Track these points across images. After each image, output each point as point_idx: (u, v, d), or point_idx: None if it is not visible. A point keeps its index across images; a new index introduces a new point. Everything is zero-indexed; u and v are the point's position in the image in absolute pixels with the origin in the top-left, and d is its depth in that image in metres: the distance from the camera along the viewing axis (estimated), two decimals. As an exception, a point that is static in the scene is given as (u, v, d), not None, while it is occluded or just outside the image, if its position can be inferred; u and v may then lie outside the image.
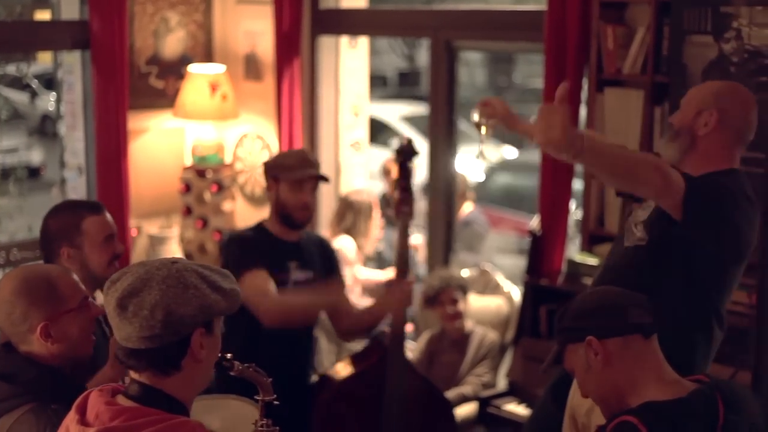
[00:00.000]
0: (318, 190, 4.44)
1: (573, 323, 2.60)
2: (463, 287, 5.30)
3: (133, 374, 2.20)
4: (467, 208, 6.70)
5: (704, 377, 2.60)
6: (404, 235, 4.38)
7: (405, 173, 4.43)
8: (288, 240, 4.30)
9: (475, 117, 3.46)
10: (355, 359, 4.55)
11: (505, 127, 3.49)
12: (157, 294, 2.11)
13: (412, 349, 5.65)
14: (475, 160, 3.55)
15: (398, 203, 4.42)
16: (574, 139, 2.82)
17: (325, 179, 4.35)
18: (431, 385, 4.66)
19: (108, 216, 3.37)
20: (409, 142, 4.48)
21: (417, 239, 6.41)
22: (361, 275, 5.98)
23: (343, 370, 4.50)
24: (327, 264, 4.44)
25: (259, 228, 4.34)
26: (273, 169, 4.29)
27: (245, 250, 4.18)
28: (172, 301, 2.12)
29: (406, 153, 4.43)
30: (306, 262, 4.33)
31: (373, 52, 7.01)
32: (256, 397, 2.40)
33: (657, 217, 3.14)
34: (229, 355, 2.29)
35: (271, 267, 4.18)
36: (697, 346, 3.15)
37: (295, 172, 4.23)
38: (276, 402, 2.40)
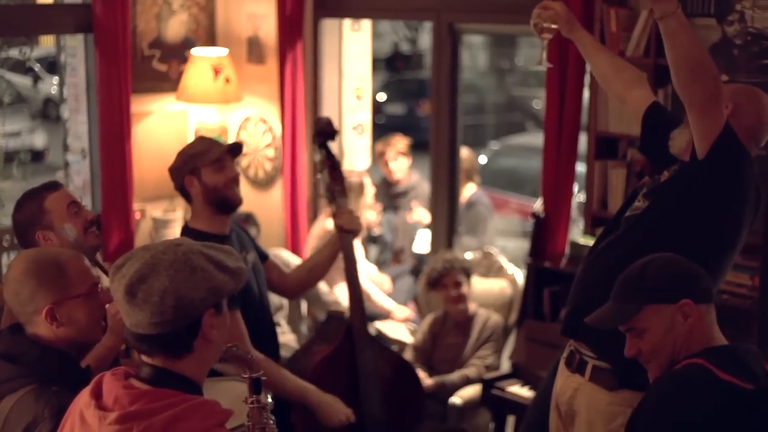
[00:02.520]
0: (237, 163, 4.19)
1: (663, 284, 2.68)
2: (467, 270, 5.30)
3: (145, 358, 2.20)
4: (470, 190, 6.70)
5: None
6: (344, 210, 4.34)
7: (328, 153, 4.38)
8: (226, 233, 4.01)
9: (535, 21, 3.37)
10: (320, 340, 4.50)
11: (564, 30, 3.43)
12: (166, 279, 2.12)
13: (414, 332, 5.67)
14: (536, 66, 3.43)
15: (330, 184, 4.35)
16: None
17: (239, 147, 4.09)
18: (397, 356, 4.70)
19: (67, 189, 3.40)
20: (327, 122, 4.40)
21: (423, 215, 6.43)
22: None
23: (311, 353, 4.46)
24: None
25: (198, 236, 3.84)
26: (186, 164, 3.94)
27: None
28: (182, 285, 2.12)
29: (325, 133, 4.38)
30: (246, 244, 4.17)
31: (375, 34, 7.00)
32: (244, 375, 2.41)
33: (674, 175, 3.17)
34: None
35: None
36: None
37: (210, 153, 3.92)
38: (264, 377, 2.42)
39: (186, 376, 2.20)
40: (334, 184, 4.33)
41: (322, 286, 5.54)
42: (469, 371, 5.16)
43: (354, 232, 4.37)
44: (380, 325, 5.84)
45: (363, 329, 4.38)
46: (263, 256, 4.30)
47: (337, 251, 4.35)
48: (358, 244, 6.04)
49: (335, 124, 4.46)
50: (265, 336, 4.14)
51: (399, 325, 5.89)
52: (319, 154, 4.42)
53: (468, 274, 5.31)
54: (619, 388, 3.14)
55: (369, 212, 6.10)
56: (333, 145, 4.43)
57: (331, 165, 4.35)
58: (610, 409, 3.15)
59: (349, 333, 4.37)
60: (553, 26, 3.38)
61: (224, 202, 3.93)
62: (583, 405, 3.24)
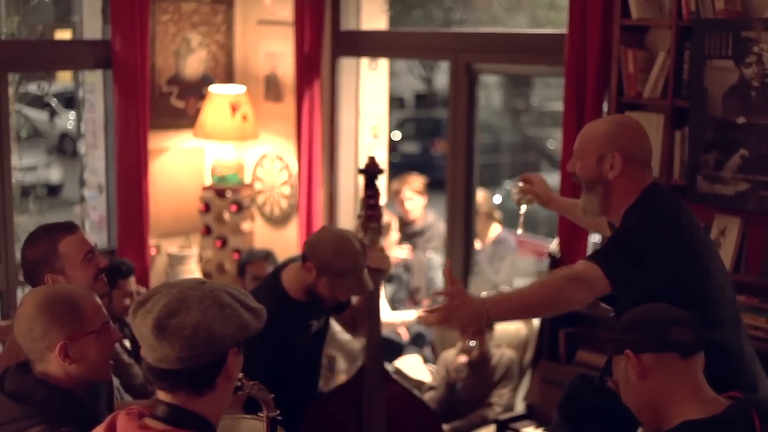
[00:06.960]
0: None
1: (617, 335, 2.67)
2: None
3: (162, 395, 2.19)
4: (495, 230, 6.72)
5: (739, 393, 2.66)
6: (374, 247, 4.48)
7: (371, 190, 4.55)
8: (307, 300, 4.29)
9: (515, 194, 3.73)
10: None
11: (541, 202, 3.73)
12: (197, 314, 2.12)
13: (432, 372, 5.64)
14: (517, 231, 3.86)
15: (366, 219, 4.52)
16: (479, 314, 3.00)
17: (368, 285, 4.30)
18: (412, 394, 4.68)
19: (83, 233, 3.29)
20: (373, 159, 4.58)
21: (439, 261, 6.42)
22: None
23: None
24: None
25: (283, 298, 4.25)
26: (320, 262, 4.18)
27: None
28: (213, 321, 2.13)
29: (370, 171, 4.56)
30: (321, 311, 4.39)
31: (391, 73, 7.03)
32: (260, 414, 2.43)
33: None
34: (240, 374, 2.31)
35: (296, 334, 4.24)
36: (730, 364, 3.12)
37: (344, 282, 4.18)
38: (279, 417, 2.44)
39: (203, 415, 2.18)
40: (369, 221, 4.52)
41: (337, 325, 5.54)
42: (488, 412, 5.13)
43: (382, 271, 4.51)
44: (399, 364, 5.82)
45: (378, 367, 4.42)
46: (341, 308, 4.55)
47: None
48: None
49: (380, 164, 4.67)
50: (300, 391, 4.34)
51: (419, 365, 5.86)
52: (362, 189, 4.65)
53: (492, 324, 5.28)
54: None
55: (398, 251, 6.19)
56: (377, 184, 4.61)
57: (371, 203, 4.53)
58: None
59: (361, 371, 4.47)
60: (528, 198, 3.77)
61: (318, 300, 4.27)
62: None
